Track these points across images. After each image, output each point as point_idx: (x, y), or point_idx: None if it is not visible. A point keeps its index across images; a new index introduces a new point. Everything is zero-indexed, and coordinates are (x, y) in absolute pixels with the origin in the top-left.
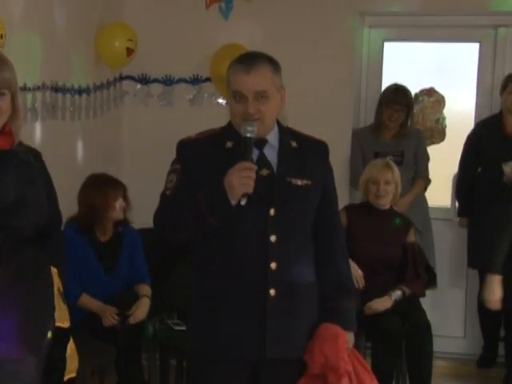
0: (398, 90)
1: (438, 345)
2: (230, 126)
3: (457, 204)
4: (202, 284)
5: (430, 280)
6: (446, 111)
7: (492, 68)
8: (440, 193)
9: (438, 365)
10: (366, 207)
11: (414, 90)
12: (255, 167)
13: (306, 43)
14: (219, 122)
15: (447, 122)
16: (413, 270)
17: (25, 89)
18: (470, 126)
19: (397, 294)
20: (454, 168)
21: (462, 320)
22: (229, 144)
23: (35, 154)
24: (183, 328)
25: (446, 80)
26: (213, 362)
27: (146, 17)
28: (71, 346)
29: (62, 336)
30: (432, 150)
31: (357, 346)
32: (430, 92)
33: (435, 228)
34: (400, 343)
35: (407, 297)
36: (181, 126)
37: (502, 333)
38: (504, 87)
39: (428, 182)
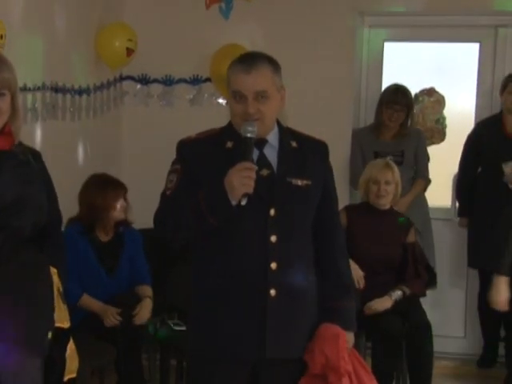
0: (397, 90)
1: (438, 345)
2: (230, 126)
3: (457, 204)
4: (202, 284)
5: (430, 280)
6: (446, 111)
7: (492, 68)
8: (440, 193)
9: (438, 365)
10: (365, 207)
11: (414, 90)
12: (255, 167)
13: (306, 43)
14: (219, 121)
15: (447, 122)
16: (413, 270)
17: (25, 89)
18: (470, 126)
19: (397, 293)
20: (454, 168)
21: (462, 320)
22: (229, 144)
23: (35, 154)
24: (183, 328)
25: (446, 80)
26: (213, 361)
27: (146, 17)
28: (71, 346)
29: (61, 336)
30: (432, 149)
31: (357, 345)
32: (430, 92)
33: (435, 228)
34: (400, 343)
35: (407, 297)
36: (181, 126)
37: (502, 333)
38: (504, 87)
39: (428, 182)
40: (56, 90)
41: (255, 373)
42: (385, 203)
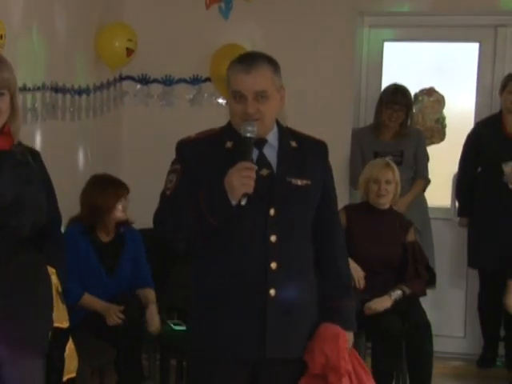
0: (397, 90)
1: (438, 345)
2: (229, 126)
3: (456, 204)
4: (202, 284)
5: (430, 279)
6: (446, 111)
7: (492, 68)
8: (440, 193)
9: (438, 365)
10: (365, 207)
11: (413, 89)
12: (255, 167)
13: (306, 43)
14: (219, 121)
15: (447, 121)
16: (413, 269)
17: (25, 89)
18: (469, 125)
19: (397, 293)
20: (454, 168)
21: (462, 320)
22: (229, 144)
23: (34, 154)
24: (183, 328)
25: (446, 80)
26: (213, 361)
27: (146, 17)
28: (70, 346)
29: (60, 336)
30: (432, 149)
31: (357, 345)
32: (429, 92)
33: (435, 228)
34: (400, 343)
35: (407, 296)
36: (181, 126)
37: (502, 333)
38: (504, 87)
39: (428, 181)
40: (56, 90)
41: (255, 373)
42: (385, 202)
